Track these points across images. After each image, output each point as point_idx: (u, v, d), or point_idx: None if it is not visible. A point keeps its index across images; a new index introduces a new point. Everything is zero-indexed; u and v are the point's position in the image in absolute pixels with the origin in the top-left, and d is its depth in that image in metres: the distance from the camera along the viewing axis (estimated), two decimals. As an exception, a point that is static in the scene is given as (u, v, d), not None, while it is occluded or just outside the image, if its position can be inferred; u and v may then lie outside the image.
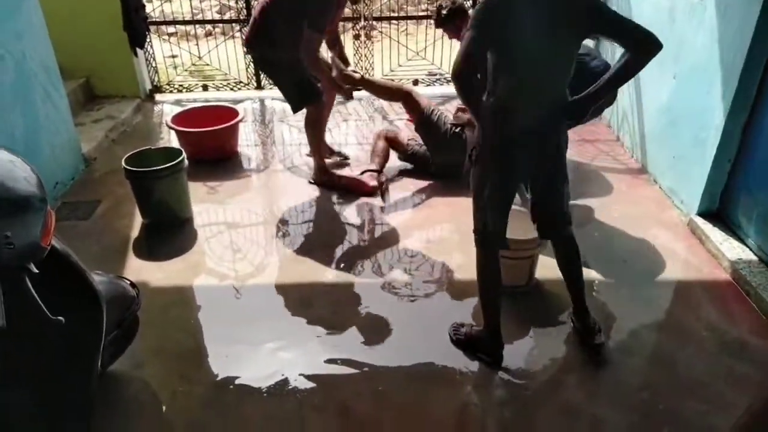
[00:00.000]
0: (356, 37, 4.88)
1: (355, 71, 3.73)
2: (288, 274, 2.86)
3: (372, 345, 2.42)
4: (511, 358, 2.33)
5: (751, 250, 2.87)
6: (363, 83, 3.69)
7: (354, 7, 4.53)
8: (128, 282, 2.14)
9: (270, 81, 3.73)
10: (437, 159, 3.69)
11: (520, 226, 2.66)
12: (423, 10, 6.87)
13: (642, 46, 1.92)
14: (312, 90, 3.38)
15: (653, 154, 3.75)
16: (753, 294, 2.64)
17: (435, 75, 5.26)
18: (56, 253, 1.47)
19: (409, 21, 5.16)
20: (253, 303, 2.68)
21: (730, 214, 3.07)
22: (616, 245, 3.09)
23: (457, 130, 3.63)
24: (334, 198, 3.54)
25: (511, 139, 2.08)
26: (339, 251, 3.06)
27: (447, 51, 5.09)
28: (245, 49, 3.77)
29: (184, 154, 3.15)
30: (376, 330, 2.51)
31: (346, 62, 3.76)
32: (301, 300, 2.69)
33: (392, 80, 4.70)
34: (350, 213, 3.40)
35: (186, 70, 5.31)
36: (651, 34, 1.91)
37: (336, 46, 3.69)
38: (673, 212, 3.36)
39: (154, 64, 4.94)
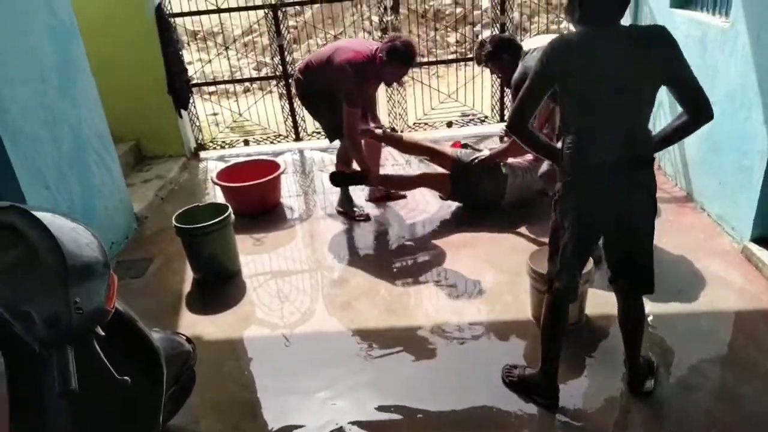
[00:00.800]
0: (388, 84, 4.99)
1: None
2: (335, 321, 2.89)
3: (423, 390, 2.41)
4: (568, 399, 2.28)
5: (812, 275, 2.76)
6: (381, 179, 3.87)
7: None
8: (184, 337, 2.20)
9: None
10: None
11: None
12: (452, 53, 7.03)
13: (699, 113, 1.88)
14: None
15: (698, 182, 3.67)
16: (819, 321, 2.53)
17: (468, 116, 5.33)
18: (119, 315, 1.54)
19: (439, 65, 5.26)
20: (303, 352, 2.71)
21: (786, 239, 2.97)
22: (669, 276, 2.99)
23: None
24: (375, 241, 3.59)
25: (589, 178, 1.93)
26: (384, 295, 3.07)
27: (478, 91, 5.17)
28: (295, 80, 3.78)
29: (230, 209, 3.25)
30: (426, 374, 2.51)
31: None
32: (350, 346, 2.70)
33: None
34: (391, 256, 3.44)
35: (228, 127, 5.53)
36: (710, 105, 1.88)
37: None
38: (724, 239, 3.27)
39: (197, 123, 5.17)
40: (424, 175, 3.96)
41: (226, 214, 3.20)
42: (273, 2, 4.66)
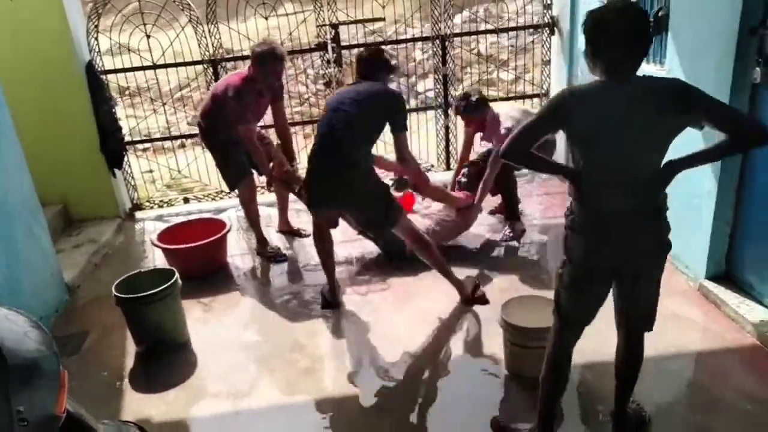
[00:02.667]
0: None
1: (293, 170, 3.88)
2: (301, 389, 2.67)
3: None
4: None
5: (770, 310, 2.82)
6: (298, 182, 3.73)
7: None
8: (135, 427, 1.94)
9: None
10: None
11: (542, 313, 2.58)
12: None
13: (743, 135, 1.81)
14: (237, 173, 3.87)
15: (646, 222, 3.76)
16: (785, 356, 2.57)
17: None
18: (67, 415, 1.31)
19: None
20: (264, 427, 2.47)
21: (740, 276, 3.04)
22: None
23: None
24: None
25: (596, 224, 1.91)
26: (348, 356, 2.89)
27: (423, 140, 5.19)
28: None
29: (177, 274, 3.01)
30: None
31: (291, 156, 3.96)
32: (315, 419, 2.49)
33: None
34: (349, 307, 3.27)
35: (166, 185, 5.25)
36: (757, 124, 1.86)
37: (284, 139, 3.95)
38: (680, 278, 3.32)
39: (132, 183, 4.87)
40: None
41: (173, 279, 2.95)
42: (213, 57, 4.54)
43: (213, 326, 3.28)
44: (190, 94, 7.63)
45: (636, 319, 2.09)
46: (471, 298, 3.23)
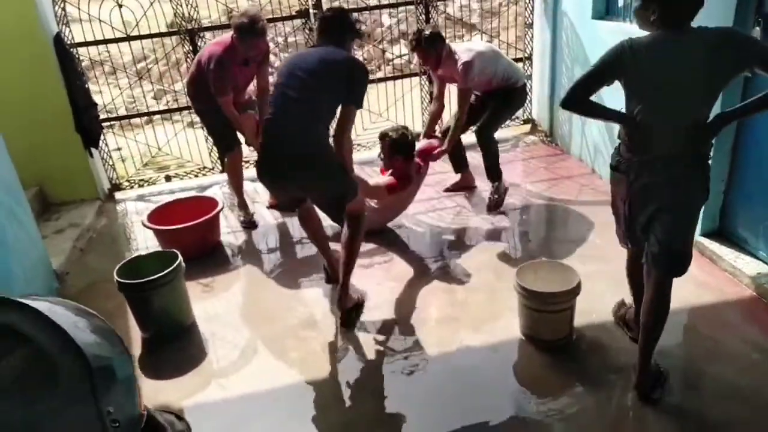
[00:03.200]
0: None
1: None
2: (319, 367, 2.66)
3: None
4: (575, 412, 2.23)
5: (766, 263, 2.94)
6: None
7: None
8: (173, 415, 1.90)
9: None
10: None
11: (557, 277, 2.63)
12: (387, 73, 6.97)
13: None
14: (224, 144, 3.94)
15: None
16: (784, 306, 2.69)
17: (397, 133, 5.26)
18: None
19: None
20: (287, 409, 2.46)
21: (734, 232, 3.15)
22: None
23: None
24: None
25: (647, 166, 2.05)
26: (367, 328, 2.89)
27: (408, 109, 5.14)
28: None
29: (180, 257, 2.92)
30: (428, 409, 2.36)
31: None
32: (334, 396, 2.50)
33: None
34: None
35: (145, 164, 5.06)
36: None
37: (262, 104, 3.83)
38: (674, 236, 3.42)
39: (111, 162, 4.67)
40: None
41: (177, 263, 2.86)
42: (190, 27, 4.33)
43: (217, 306, 3.22)
44: (160, 67, 7.33)
45: (668, 263, 2.14)
46: (345, 310, 2.87)
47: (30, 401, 0.95)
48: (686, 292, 2.91)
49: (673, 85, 1.95)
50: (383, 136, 3.75)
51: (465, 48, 3.80)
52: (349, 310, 2.88)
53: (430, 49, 3.73)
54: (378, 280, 3.30)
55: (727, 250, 3.11)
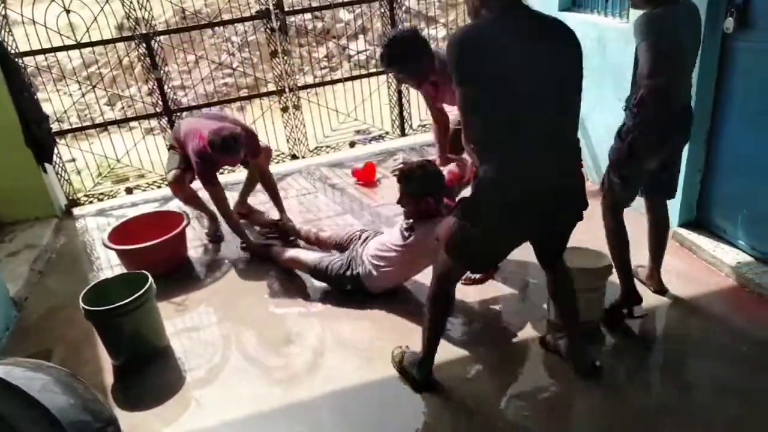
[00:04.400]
0: (284, 110, 4.68)
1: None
2: (306, 386, 2.54)
3: None
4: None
5: (745, 252, 2.96)
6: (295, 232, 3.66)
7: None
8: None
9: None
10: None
11: (587, 261, 2.59)
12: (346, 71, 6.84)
13: None
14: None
15: (612, 175, 3.83)
16: (766, 294, 2.71)
17: (365, 133, 5.17)
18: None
19: (334, 84, 5.03)
20: (278, 429, 2.34)
21: (712, 221, 3.17)
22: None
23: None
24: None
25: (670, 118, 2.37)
26: (354, 341, 2.78)
27: (377, 107, 5.04)
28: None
29: (151, 278, 2.75)
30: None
31: (281, 207, 3.81)
32: (329, 416, 2.39)
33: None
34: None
35: (103, 176, 4.81)
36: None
37: (270, 191, 3.83)
38: (652, 228, 3.42)
39: (66, 176, 4.42)
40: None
41: (148, 284, 2.70)
42: (144, 32, 4.12)
43: (192, 326, 3.06)
44: (113, 71, 7.01)
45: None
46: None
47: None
48: (671, 284, 2.92)
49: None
50: (405, 177, 2.83)
51: None
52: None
53: (406, 64, 2.75)
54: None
55: (705, 240, 3.12)
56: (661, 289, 2.82)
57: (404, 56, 2.72)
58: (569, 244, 2.30)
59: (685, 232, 3.21)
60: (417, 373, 2.40)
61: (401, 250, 2.88)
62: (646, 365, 2.52)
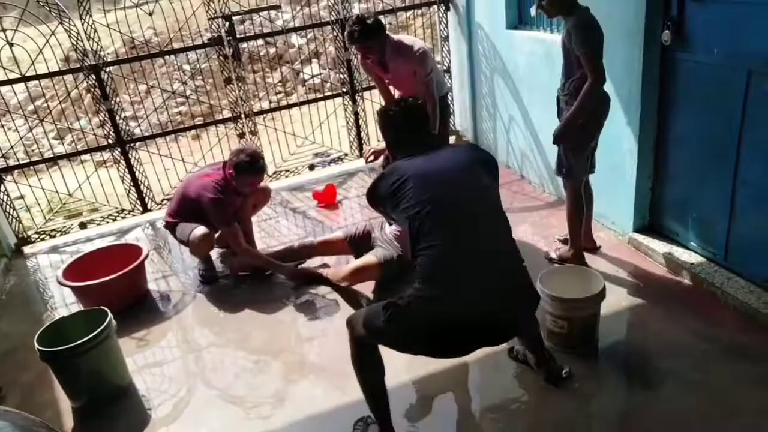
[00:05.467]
0: (240, 135, 4.64)
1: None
2: (278, 415, 2.49)
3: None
4: None
5: (697, 253, 3.07)
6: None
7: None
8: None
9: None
10: None
11: (579, 283, 2.61)
12: (301, 95, 6.84)
13: None
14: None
15: (567, 185, 3.94)
16: (720, 294, 2.81)
17: (324, 155, 5.17)
18: None
19: (290, 109, 5.02)
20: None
21: (664, 225, 3.28)
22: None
23: None
24: (277, 303, 3.22)
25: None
26: (323, 367, 2.74)
27: (334, 129, 5.05)
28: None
29: (110, 314, 2.66)
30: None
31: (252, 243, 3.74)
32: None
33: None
34: (303, 315, 3.11)
35: (54, 212, 4.65)
36: None
37: (246, 227, 3.71)
38: (609, 234, 3.52)
39: (15, 214, 4.25)
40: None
41: (107, 321, 2.61)
42: (93, 62, 4.03)
43: (155, 361, 2.97)
44: (61, 104, 6.82)
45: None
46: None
47: None
48: (627, 288, 3.01)
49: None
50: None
51: (407, 39, 3.48)
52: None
53: (376, 40, 3.30)
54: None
55: (660, 243, 3.23)
56: (595, 247, 3.35)
57: (372, 31, 3.27)
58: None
59: (640, 237, 3.32)
60: None
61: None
62: (611, 367, 2.56)
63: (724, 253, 2.93)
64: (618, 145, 3.25)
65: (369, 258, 3.25)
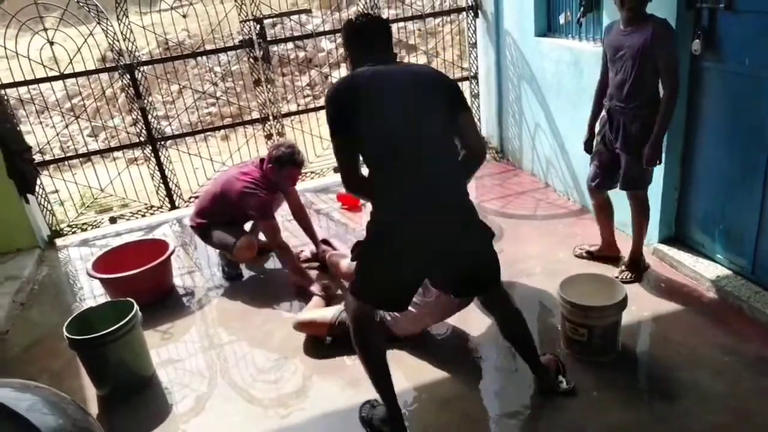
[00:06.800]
0: (268, 137, 4.72)
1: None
2: (298, 412, 2.52)
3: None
4: None
5: (724, 266, 3.02)
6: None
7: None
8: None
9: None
10: None
11: (600, 291, 2.60)
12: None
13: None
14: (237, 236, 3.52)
15: (592, 194, 3.90)
16: (746, 308, 2.76)
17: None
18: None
19: (318, 111, 5.09)
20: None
21: (690, 237, 3.24)
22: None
23: None
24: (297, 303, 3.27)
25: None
26: (341, 365, 2.77)
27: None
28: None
29: (136, 305, 2.74)
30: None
31: (315, 240, 3.78)
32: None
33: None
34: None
35: (86, 207, 4.78)
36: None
37: (304, 223, 3.79)
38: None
39: (49, 207, 4.39)
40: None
41: (133, 312, 2.68)
42: (128, 62, 4.15)
43: (178, 355, 3.03)
44: (97, 102, 7.02)
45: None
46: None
47: None
48: (651, 300, 2.97)
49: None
50: None
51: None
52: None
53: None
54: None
55: (685, 255, 3.19)
56: (618, 256, 3.33)
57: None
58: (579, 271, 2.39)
59: (665, 248, 3.27)
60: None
61: (422, 303, 2.77)
62: (630, 378, 2.54)
63: (751, 266, 2.88)
64: (645, 155, 3.22)
65: (326, 313, 2.94)
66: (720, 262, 3.05)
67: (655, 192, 3.23)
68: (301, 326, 2.96)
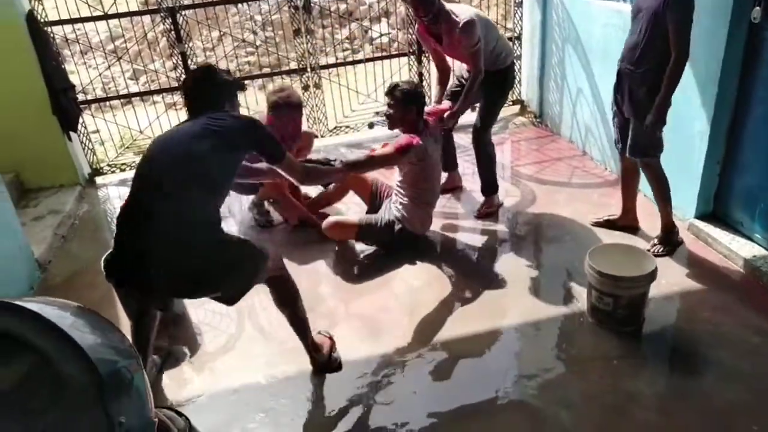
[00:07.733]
0: (305, 88, 4.71)
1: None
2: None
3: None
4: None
5: (761, 246, 2.94)
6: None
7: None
8: (173, 411, 1.83)
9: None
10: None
11: (629, 262, 2.59)
12: (368, 53, 6.84)
13: None
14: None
15: (630, 164, 3.81)
16: (780, 288, 2.70)
17: (384, 114, 5.16)
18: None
19: (356, 65, 5.05)
20: (289, 396, 2.41)
21: (728, 214, 3.15)
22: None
23: None
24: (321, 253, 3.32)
25: None
26: (361, 315, 2.83)
27: (397, 90, 5.03)
28: None
29: (170, 244, 2.82)
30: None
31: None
32: (347, 384, 2.45)
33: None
34: (354, 264, 3.20)
35: (126, 147, 4.89)
36: None
37: None
38: (669, 219, 3.41)
39: (90, 146, 4.51)
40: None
41: (168, 250, 2.76)
42: (170, 4, 4.16)
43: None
44: (127, 46, 7.09)
45: None
46: (327, 363, 2.53)
47: (32, 414, 0.87)
48: (682, 275, 2.92)
49: None
50: (393, 88, 3.20)
51: (458, 9, 3.32)
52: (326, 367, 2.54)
53: (431, 2, 3.18)
54: (378, 283, 3.23)
55: (721, 232, 3.11)
56: (637, 226, 3.31)
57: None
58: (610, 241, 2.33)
59: (701, 224, 3.20)
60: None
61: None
62: (653, 350, 2.53)
63: (790, 248, 2.80)
64: (689, 127, 3.12)
65: (350, 218, 3.43)
66: (758, 241, 2.97)
67: (695, 165, 3.14)
68: (330, 228, 3.28)
